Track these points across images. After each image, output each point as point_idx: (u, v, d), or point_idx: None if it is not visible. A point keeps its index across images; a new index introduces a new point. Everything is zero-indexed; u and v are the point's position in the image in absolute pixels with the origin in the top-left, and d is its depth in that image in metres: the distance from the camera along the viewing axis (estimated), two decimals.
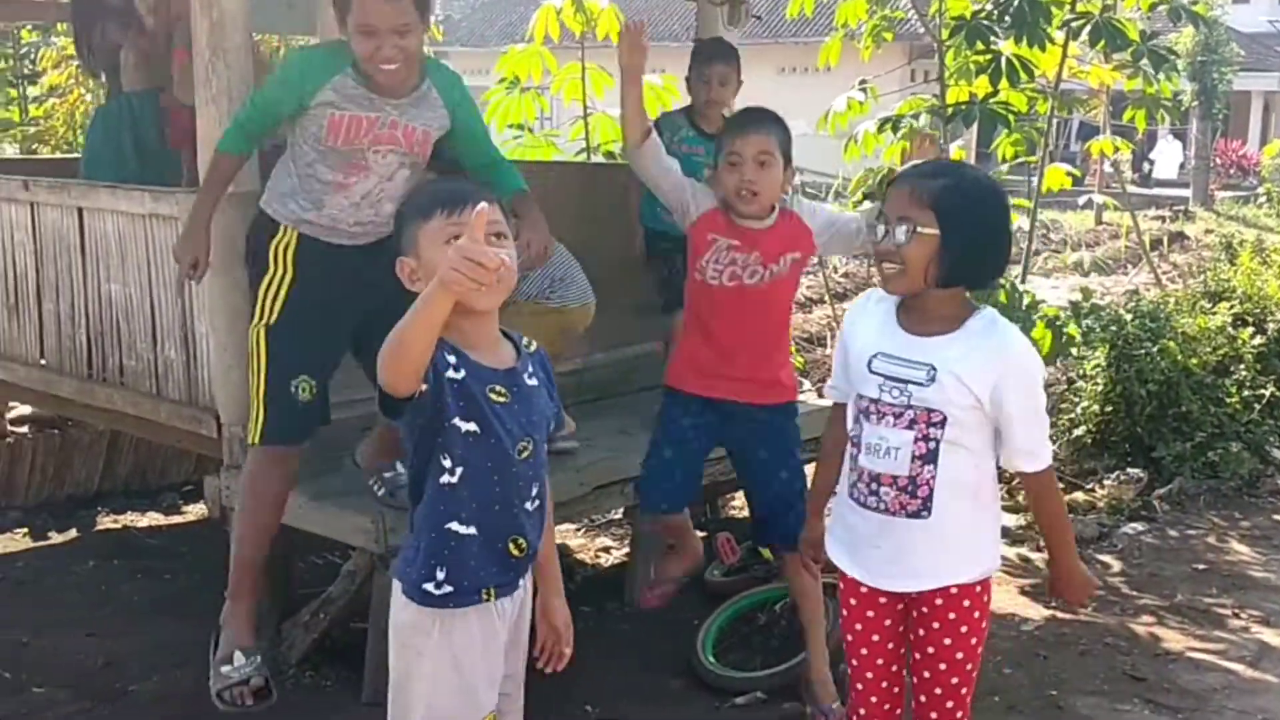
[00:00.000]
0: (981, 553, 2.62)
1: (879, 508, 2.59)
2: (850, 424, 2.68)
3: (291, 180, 3.44)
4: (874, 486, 2.59)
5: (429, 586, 2.40)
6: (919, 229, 2.48)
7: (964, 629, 2.58)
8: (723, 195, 3.41)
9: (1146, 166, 27.78)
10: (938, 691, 2.60)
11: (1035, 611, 4.58)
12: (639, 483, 3.72)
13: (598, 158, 7.19)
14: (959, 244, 2.48)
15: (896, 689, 2.73)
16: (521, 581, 2.53)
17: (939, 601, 2.57)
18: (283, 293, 3.41)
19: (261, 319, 3.42)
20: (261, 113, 3.45)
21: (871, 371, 2.59)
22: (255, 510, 3.49)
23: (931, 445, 2.53)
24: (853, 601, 2.70)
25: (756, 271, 3.43)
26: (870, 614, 2.67)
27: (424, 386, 2.26)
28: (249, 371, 3.47)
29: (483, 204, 2.12)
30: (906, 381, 2.55)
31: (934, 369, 2.51)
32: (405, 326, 2.15)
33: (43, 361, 4.61)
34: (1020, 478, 2.66)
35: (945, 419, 2.51)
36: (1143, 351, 6.25)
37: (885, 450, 2.56)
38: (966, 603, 2.58)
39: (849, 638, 2.73)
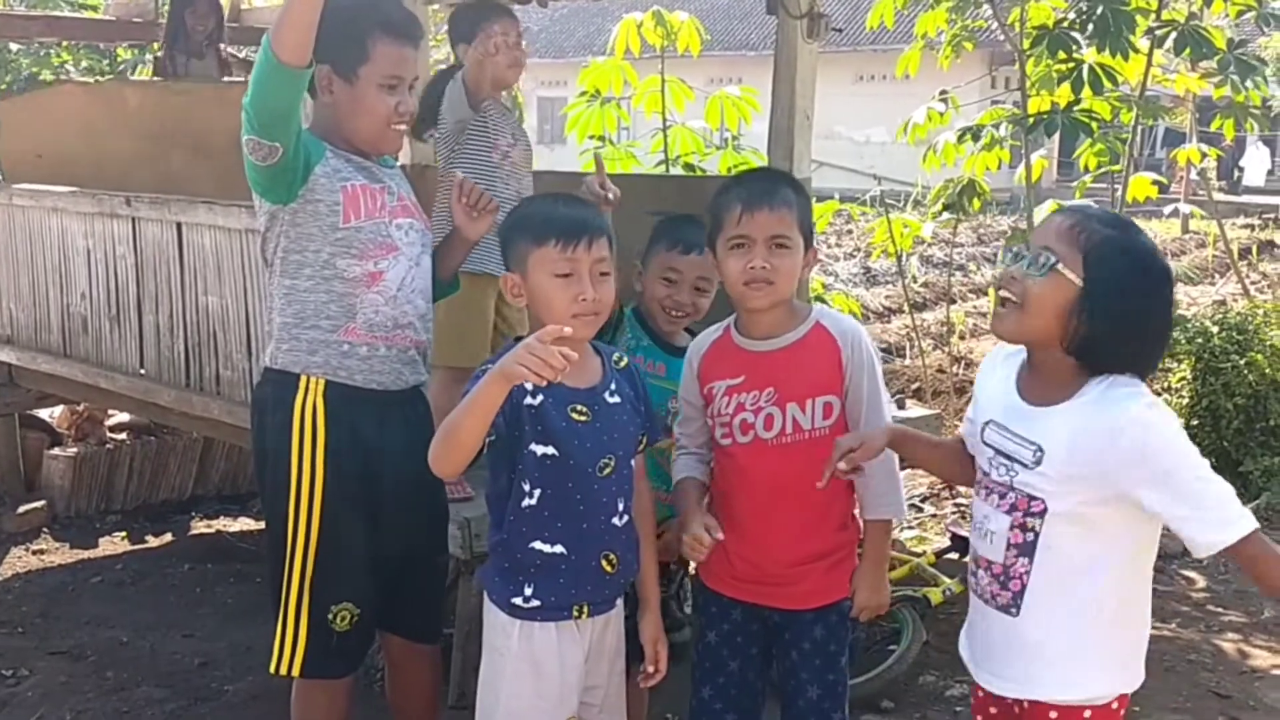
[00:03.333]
0: (1086, 675, 2.20)
1: (977, 590, 2.32)
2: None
3: (298, 305, 2.78)
4: (975, 567, 2.33)
5: (517, 600, 2.45)
6: (1059, 266, 2.12)
7: None
8: (725, 322, 2.72)
9: (1235, 174, 27.20)
10: None
11: None
12: None
13: (676, 169, 7.24)
14: (1101, 308, 2.10)
15: None
16: (617, 599, 2.56)
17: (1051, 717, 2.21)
18: (319, 470, 2.76)
19: (297, 510, 2.77)
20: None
21: (984, 442, 2.29)
22: None
23: (1029, 536, 2.19)
24: (979, 693, 2.38)
25: (774, 418, 2.58)
26: (993, 710, 2.35)
27: (489, 439, 2.30)
28: (282, 572, 2.81)
29: (565, 329, 2.13)
30: (1013, 459, 2.22)
31: (1041, 450, 2.17)
32: (460, 416, 2.20)
33: (142, 371, 4.77)
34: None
35: (1046, 509, 2.17)
36: (1230, 364, 6.16)
37: (986, 531, 2.27)
38: None
39: None
